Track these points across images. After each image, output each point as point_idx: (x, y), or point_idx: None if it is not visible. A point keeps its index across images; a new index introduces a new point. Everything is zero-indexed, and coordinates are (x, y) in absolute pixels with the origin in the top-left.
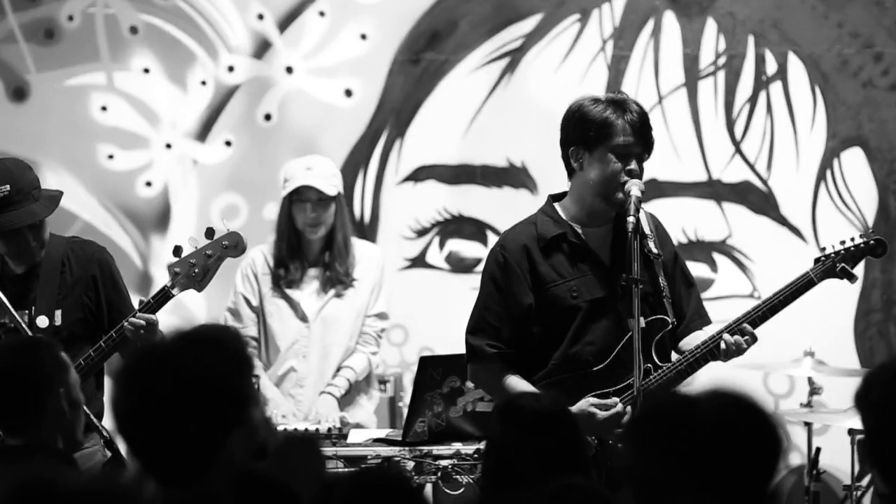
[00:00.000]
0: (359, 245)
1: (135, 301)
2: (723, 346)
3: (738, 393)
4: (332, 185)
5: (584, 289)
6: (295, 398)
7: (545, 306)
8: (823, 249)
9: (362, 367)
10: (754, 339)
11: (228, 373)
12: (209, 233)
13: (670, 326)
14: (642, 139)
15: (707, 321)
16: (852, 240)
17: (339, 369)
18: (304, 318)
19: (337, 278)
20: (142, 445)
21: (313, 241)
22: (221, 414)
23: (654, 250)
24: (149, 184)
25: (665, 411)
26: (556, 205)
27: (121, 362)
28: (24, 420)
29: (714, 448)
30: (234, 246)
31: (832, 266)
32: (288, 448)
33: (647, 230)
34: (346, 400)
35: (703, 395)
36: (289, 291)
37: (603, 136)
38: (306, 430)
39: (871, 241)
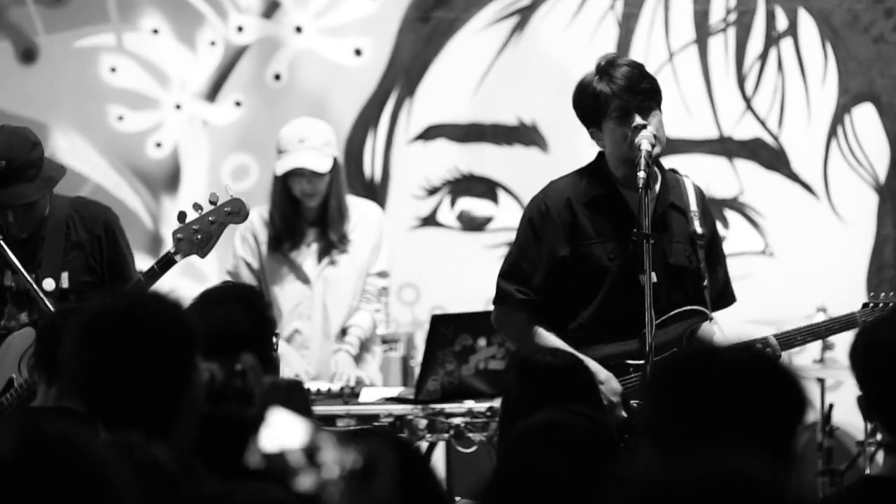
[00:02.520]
0: (357, 204)
1: (146, 264)
2: None
3: (758, 347)
4: (325, 157)
5: (620, 252)
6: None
7: (580, 262)
8: (873, 296)
9: (367, 324)
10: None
11: (182, 318)
12: (212, 198)
13: (709, 320)
14: (637, 93)
15: (728, 302)
16: None
17: (346, 329)
18: (305, 280)
19: (332, 244)
20: (106, 400)
21: (311, 207)
22: (180, 359)
23: (699, 230)
24: (159, 145)
25: (685, 365)
26: (606, 162)
27: (75, 322)
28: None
29: (735, 401)
30: (236, 212)
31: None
32: (274, 395)
33: (693, 206)
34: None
35: (723, 349)
36: (290, 254)
37: (600, 110)
38: (318, 390)
39: None
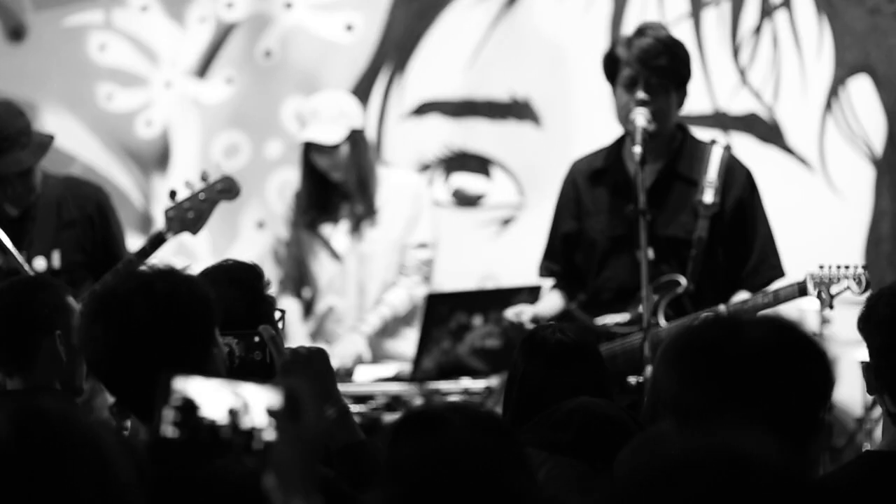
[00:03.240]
0: (389, 176)
1: (137, 243)
2: None
3: (782, 320)
4: (336, 129)
5: (611, 224)
6: (336, 334)
7: (580, 235)
8: (821, 268)
9: (400, 301)
10: None
11: (198, 290)
12: (203, 176)
13: (682, 289)
14: (649, 67)
15: (761, 279)
16: (846, 267)
17: (377, 305)
18: (336, 256)
19: (359, 217)
20: (126, 379)
21: (337, 181)
22: (199, 333)
23: (707, 200)
24: (149, 123)
25: (709, 338)
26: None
27: (86, 303)
28: (18, 361)
29: (761, 374)
30: (228, 190)
31: (818, 288)
32: (295, 364)
33: (712, 177)
34: (389, 331)
35: (747, 322)
36: (321, 229)
37: (614, 71)
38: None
39: (852, 273)
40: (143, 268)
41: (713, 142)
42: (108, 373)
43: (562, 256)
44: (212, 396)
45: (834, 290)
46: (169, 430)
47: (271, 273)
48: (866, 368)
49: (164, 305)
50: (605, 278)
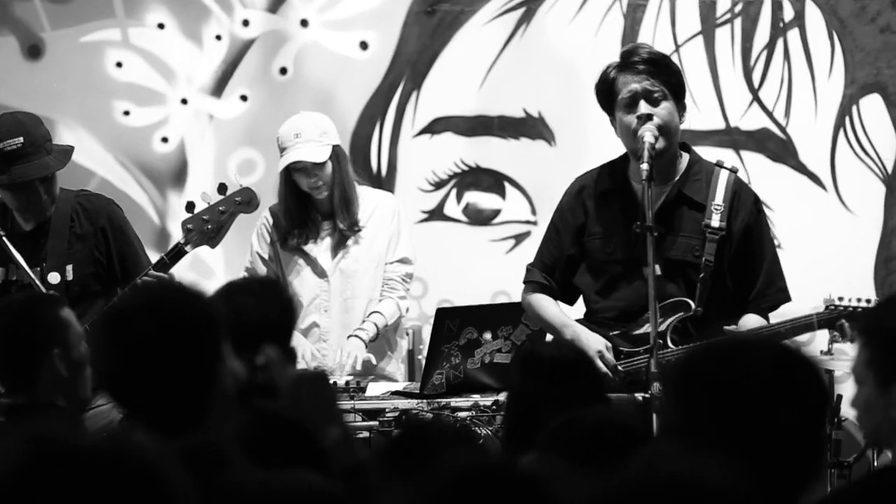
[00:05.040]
0: (370, 195)
1: (153, 259)
2: None
3: (781, 344)
4: (322, 148)
5: (621, 247)
6: (320, 352)
7: (585, 257)
8: (840, 298)
9: (391, 311)
10: None
11: (205, 306)
12: (222, 189)
13: (691, 313)
14: (646, 78)
15: (768, 303)
16: (868, 301)
17: (367, 314)
18: (322, 274)
19: (343, 235)
20: (135, 395)
21: (321, 199)
22: (206, 349)
23: (714, 224)
24: (165, 139)
25: (708, 363)
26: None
27: (97, 318)
28: (19, 382)
29: (760, 399)
30: (247, 202)
31: (836, 318)
32: (300, 386)
33: (719, 201)
34: (376, 351)
35: (746, 346)
36: (305, 247)
37: (612, 97)
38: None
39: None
40: (152, 283)
41: (720, 164)
42: (117, 386)
43: (564, 275)
44: None
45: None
46: None
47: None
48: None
49: (170, 320)
50: (614, 299)
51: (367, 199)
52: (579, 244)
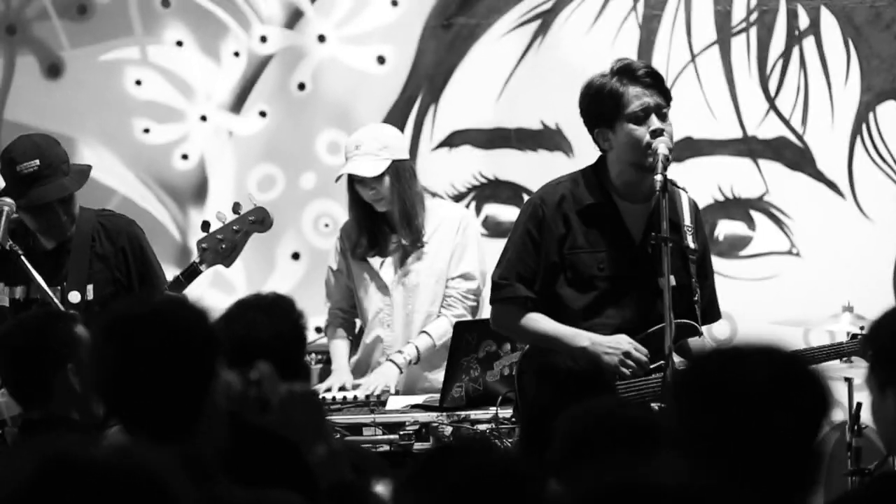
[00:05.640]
0: (439, 208)
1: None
2: None
3: (783, 350)
4: (378, 162)
5: (611, 263)
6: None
7: (569, 269)
8: (859, 330)
9: (441, 331)
10: None
11: (203, 321)
12: (236, 208)
13: (700, 337)
14: (655, 94)
15: (713, 318)
16: None
17: (418, 335)
18: (384, 289)
19: (405, 249)
20: (129, 404)
21: (387, 212)
22: (200, 364)
23: (692, 245)
24: (185, 156)
25: (707, 373)
26: (606, 169)
27: (100, 325)
28: (34, 396)
29: (756, 409)
30: (260, 221)
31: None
32: (290, 404)
33: (688, 221)
34: (428, 362)
35: (745, 356)
36: (371, 261)
37: (618, 108)
38: (324, 398)
39: None
40: (154, 296)
41: (674, 183)
42: (111, 395)
43: (539, 288)
44: None
45: None
46: None
47: (312, 303)
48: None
49: (168, 333)
50: (607, 316)
51: (436, 212)
52: (560, 255)
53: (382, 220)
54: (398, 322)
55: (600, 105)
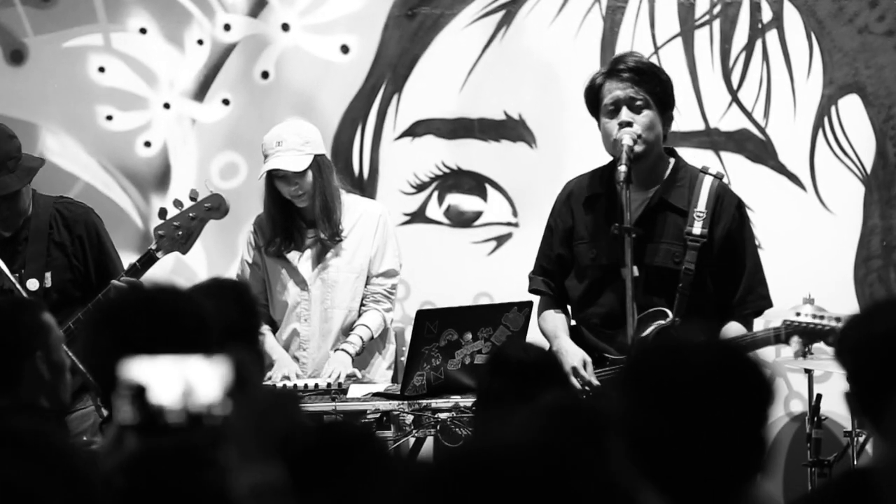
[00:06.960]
0: (356, 204)
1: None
2: None
3: (726, 342)
4: (302, 157)
5: (604, 252)
6: (300, 360)
7: (572, 261)
8: (798, 314)
9: (377, 323)
10: None
11: (196, 307)
12: (193, 195)
13: (668, 321)
14: (630, 87)
15: (749, 308)
16: (821, 318)
17: (353, 327)
18: (302, 283)
19: (324, 244)
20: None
21: (304, 208)
22: (194, 350)
23: (696, 231)
24: (148, 144)
25: (653, 365)
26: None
27: (89, 313)
28: (2, 384)
29: (701, 400)
30: (216, 208)
31: (791, 334)
32: (266, 400)
33: (701, 207)
34: (361, 360)
35: (690, 347)
36: (288, 255)
37: (596, 102)
38: (295, 385)
39: (827, 328)
40: (146, 283)
41: (704, 170)
42: (107, 380)
43: (558, 277)
44: (162, 379)
45: (810, 341)
46: (127, 416)
47: None
48: (847, 397)
49: (164, 319)
50: (598, 304)
51: (353, 207)
52: (569, 247)
53: (298, 215)
54: (315, 316)
55: (588, 101)
